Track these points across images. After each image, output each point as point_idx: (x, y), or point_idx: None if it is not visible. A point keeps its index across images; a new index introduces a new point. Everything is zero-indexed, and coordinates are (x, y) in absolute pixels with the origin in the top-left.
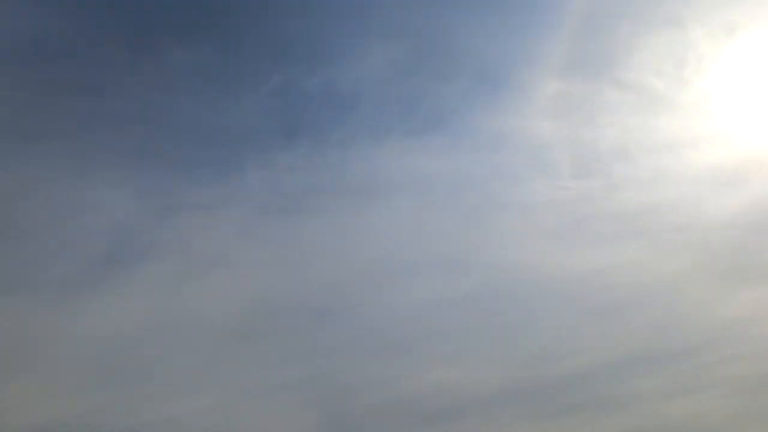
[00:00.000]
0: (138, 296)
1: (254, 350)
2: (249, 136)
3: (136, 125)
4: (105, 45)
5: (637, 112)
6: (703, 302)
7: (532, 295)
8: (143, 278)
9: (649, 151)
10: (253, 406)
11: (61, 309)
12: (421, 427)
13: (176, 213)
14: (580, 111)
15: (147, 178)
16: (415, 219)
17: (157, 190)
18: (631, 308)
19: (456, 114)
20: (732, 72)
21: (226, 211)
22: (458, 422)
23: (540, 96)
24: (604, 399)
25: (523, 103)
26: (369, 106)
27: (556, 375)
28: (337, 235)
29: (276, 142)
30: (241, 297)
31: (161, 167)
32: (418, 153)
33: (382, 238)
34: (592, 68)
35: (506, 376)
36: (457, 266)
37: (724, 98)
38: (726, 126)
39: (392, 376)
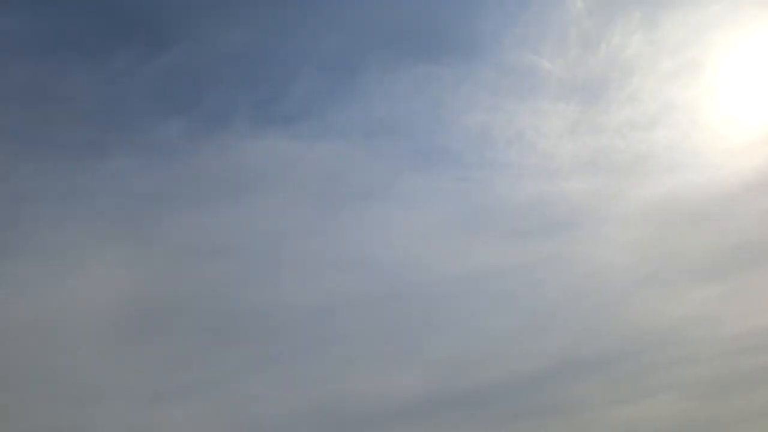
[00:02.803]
0: None
1: (140, 354)
2: (100, 119)
3: None
4: None
5: (524, 95)
6: (638, 301)
7: (446, 294)
8: None
9: (548, 138)
10: (148, 414)
11: None
12: None
13: (30, 203)
14: (458, 94)
15: None
16: (291, 213)
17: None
18: (562, 307)
19: (323, 100)
20: (623, 50)
21: (83, 201)
22: None
23: (408, 80)
24: (542, 407)
25: (393, 87)
26: (226, 90)
27: (485, 381)
28: (207, 229)
29: (130, 128)
30: (114, 297)
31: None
32: (288, 141)
33: (258, 232)
34: (461, 48)
35: (425, 384)
36: (350, 264)
37: (618, 79)
38: (631, 109)
39: (297, 383)
